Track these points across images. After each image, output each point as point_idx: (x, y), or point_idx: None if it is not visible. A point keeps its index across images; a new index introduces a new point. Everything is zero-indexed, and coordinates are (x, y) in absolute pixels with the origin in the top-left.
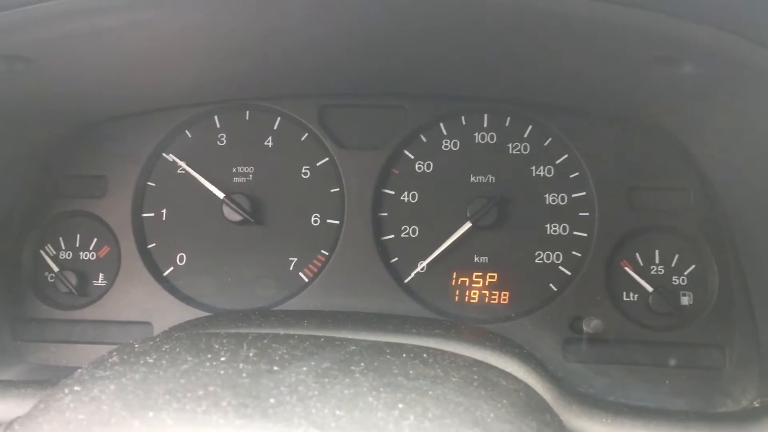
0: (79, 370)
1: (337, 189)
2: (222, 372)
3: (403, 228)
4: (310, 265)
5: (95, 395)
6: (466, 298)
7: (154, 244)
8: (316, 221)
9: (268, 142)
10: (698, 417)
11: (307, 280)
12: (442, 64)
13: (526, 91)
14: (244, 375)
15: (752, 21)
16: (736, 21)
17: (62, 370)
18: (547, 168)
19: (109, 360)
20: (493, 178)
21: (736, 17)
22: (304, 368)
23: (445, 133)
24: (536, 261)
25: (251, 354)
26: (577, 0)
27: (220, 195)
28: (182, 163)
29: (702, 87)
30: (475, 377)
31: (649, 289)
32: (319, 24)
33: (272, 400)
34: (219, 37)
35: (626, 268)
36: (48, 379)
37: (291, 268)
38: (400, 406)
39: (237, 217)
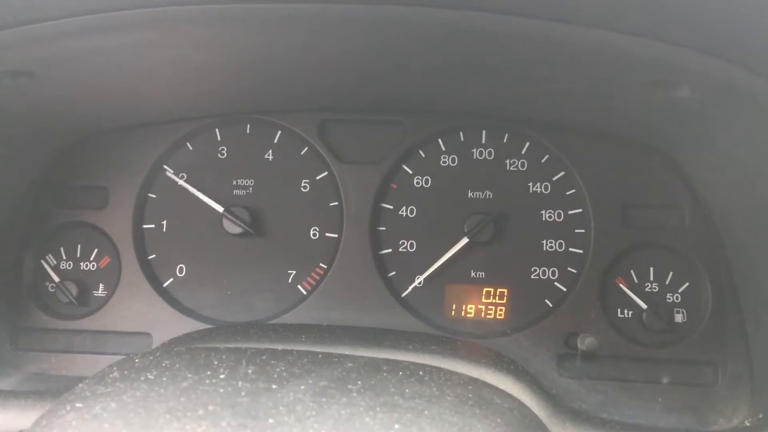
0: (80, 385)
1: (336, 203)
2: (221, 390)
3: (400, 242)
4: (309, 278)
5: (97, 413)
6: (463, 312)
7: (154, 256)
8: (315, 234)
9: (269, 155)
10: None
11: (305, 292)
12: (441, 84)
13: (524, 109)
14: (243, 393)
15: (745, 49)
16: (729, 49)
17: (62, 379)
18: (543, 185)
19: (110, 375)
20: (491, 194)
21: (729, 45)
22: (302, 387)
23: (443, 148)
24: (532, 277)
25: (250, 371)
26: (572, 27)
27: (219, 209)
28: (179, 181)
29: (697, 110)
30: (470, 396)
31: (644, 306)
32: (320, 47)
33: (270, 420)
34: (221, 56)
35: (621, 285)
36: (48, 390)
37: (290, 281)
38: (396, 426)
39: (237, 230)
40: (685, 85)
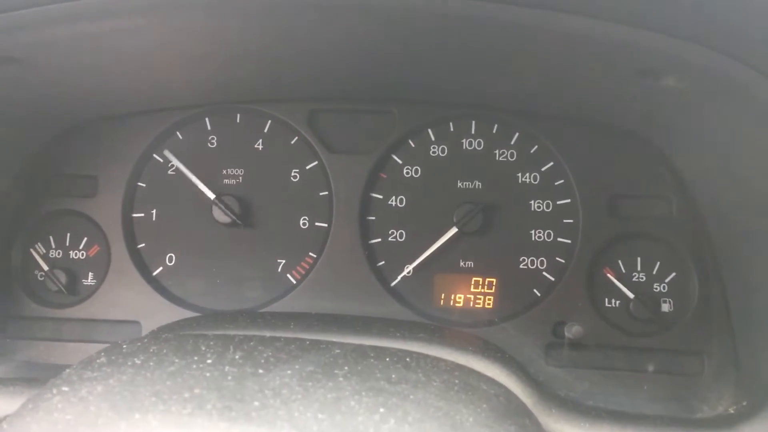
0: (68, 370)
1: (326, 192)
2: (208, 374)
3: (390, 232)
4: (298, 267)
5: (83, 396)
6: (451, 302)
7: (143, 244)
8: (304, 224)
9: (259, 144)
10: (675, 422)
11: (294, 282)
12: (431, 73)
13: (514, 99)
14: (229, 378)
15: (735, 40)
16: (719, 39)
17: (51, 367)
18: (532, 175)
19: (97, 360)
20: (480, 184)
21: (719, 35)
22: (289, 371)
23: (433, 138)
24: (521, 266)
25: (237, 356)
26: (562, 16)
27: (211, 196)
28: (176, 161)
29: (684, 99)
30: (456, 381)
31: (631, 295)
32: (311, 36)
33: (256, 403)
34: (211, 45)
35: (608, 275)
36: (36, 377)
37: (279, 270)
38: (381, 410)
39: (226, 219)
40: (674, 75)
